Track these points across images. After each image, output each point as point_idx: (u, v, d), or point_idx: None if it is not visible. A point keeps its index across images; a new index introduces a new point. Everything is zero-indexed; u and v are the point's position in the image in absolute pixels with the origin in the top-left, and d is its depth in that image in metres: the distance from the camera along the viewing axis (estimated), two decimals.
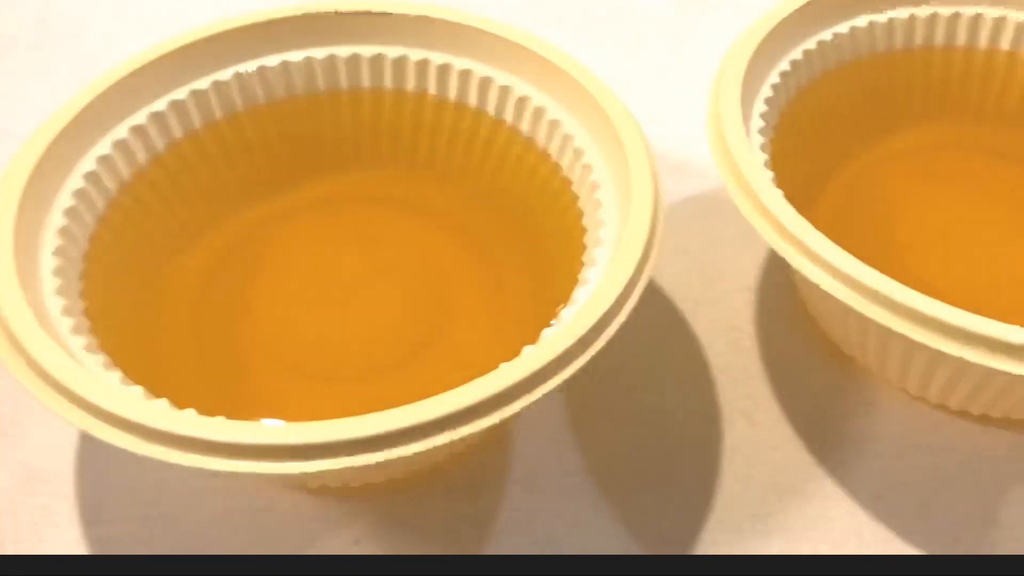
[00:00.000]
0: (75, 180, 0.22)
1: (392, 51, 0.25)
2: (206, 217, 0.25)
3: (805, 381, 0.26)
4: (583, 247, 0.22)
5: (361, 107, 0.26)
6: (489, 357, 0.19)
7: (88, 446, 0.24)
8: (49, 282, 0.20)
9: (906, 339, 0.20)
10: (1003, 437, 0.24)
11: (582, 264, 0.21)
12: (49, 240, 0.21)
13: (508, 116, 0.25)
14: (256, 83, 0.25)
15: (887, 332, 0.20)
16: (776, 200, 0.22)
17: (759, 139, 0.24)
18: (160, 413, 0.17)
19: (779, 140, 0.25)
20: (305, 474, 0.17)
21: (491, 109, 0.25)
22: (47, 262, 0.21)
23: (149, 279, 0.24)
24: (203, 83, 0.25)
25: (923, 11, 0.28)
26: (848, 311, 0.21)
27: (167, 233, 0.24)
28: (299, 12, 0.25)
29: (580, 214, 0.23)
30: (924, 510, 0.23)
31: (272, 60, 0.25)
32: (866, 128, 0.28)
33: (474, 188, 0.26)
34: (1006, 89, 0.28)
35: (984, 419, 0.25)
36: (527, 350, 0.18)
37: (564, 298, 0.20)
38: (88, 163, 0.23)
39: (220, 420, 0.17)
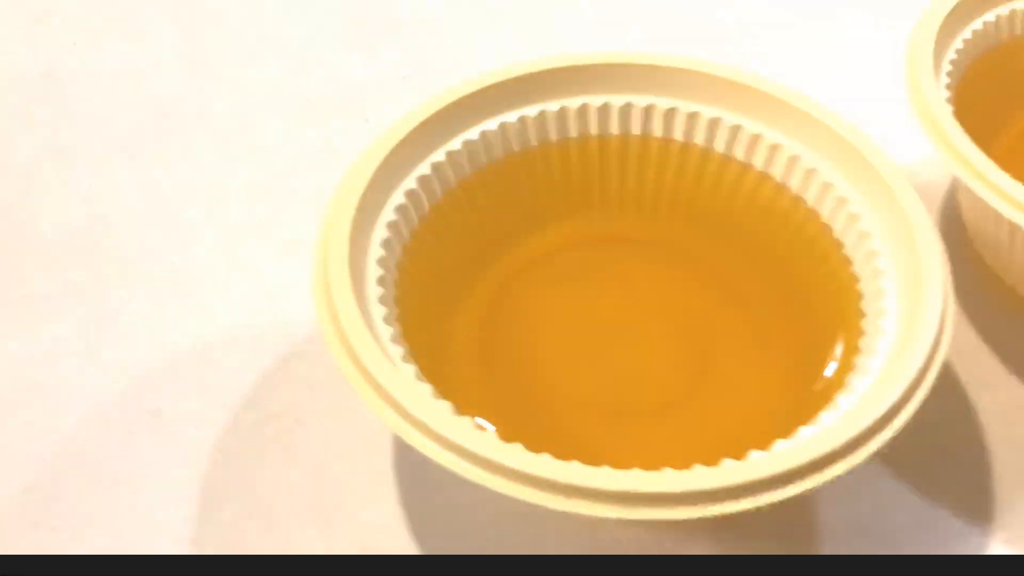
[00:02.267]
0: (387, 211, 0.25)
1: (640, 100, 0.27)
2: (479, 256, 0.27)
3: (1015, 341, 0.28)
4: (858, 317, 0.24)
5: (608, 152, 0.28)
6: (758, 408, 0.22)
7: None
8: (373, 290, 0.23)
9: None
10: None
11: (859, 335, 0.23)
12: (372, 267, 0.23)
13: (759, 163, 0.27)
14: (514, 134, 0.27)
15: None
16: (960, 137, 0.26)
17: (946, 90, 0.28)
18: (511, 452, 0.19)
19: (961, 100, 0.28)
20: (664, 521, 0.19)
21: (740, 155, 0.27)
22: (372, 277, 0.23)
23: (440, 303, 0.26)
24: (472, 133, 0.26)
25: None
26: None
27: (447, 274, 0.26)
28: (551, 66, 0.27)
29: (855, 279, 0.24)
30: None
31: (531, 110, 0.27)
32: None
33: (723, 231, 0.27)
34: None
35: None
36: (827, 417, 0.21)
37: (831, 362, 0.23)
38: (398, 196, 0.25)
39: (575, 464, 0.19)
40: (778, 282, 0.26)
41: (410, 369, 0.22)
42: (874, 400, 0.20)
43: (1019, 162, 0.30)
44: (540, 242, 0.28)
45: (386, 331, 0.22)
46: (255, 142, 0.34)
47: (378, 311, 0.23)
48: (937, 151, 0.26)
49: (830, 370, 0.24)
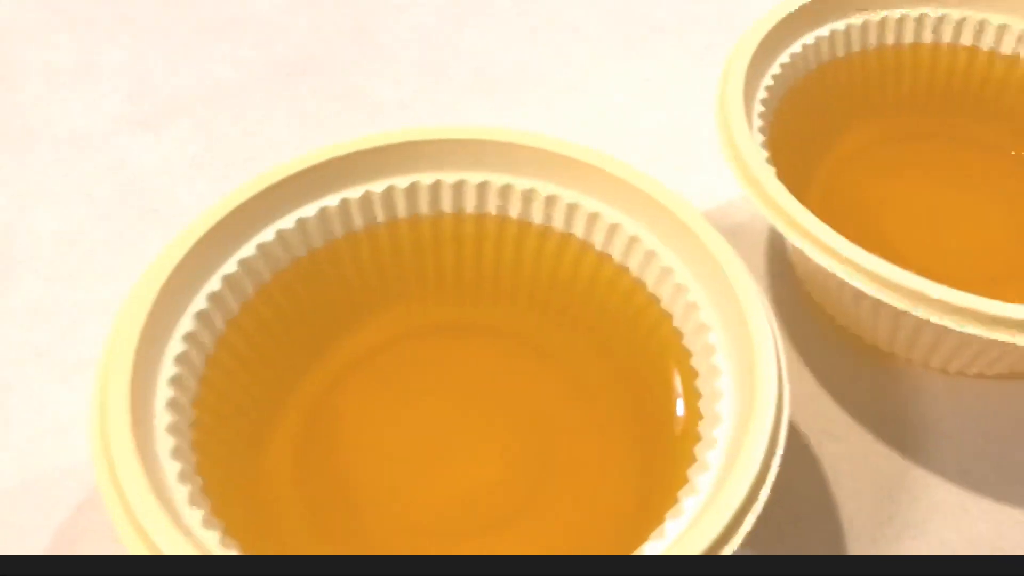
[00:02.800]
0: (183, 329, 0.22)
1: (474, 177, 0.25)
2: (288, 370, 0.25)
3: (853, 386, 0.28)
4: (695, 398, 0.22)
5: (439, 233, 0.26)
6: (598, 513, 0.21)
7: None
8: (163, 438, 0.20)
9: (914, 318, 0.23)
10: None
11: (698, 418, 0.22)
12: (162, 390, 0.21)
13: (598, 243, 0.25)
14: (335, 218, 0.25)
15: (902, 316, 0.23)
16: (786, 199, 0.25)
17: (760, 134, 0.27)
18: None
19: (776, 132, 0.28)
20: None
21: (579, 233, 0.25)
22: (161, 417, 0.20)
23: (249, 434, 0.23)
24: (288, 221, 0.24)
25: (894, 13, 0.31)
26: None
27: (256, 387, 0.24)
28: (374, 144, 0.25)
29: (694, 374, 0.23)
30: (1001, 472, 0.26)
31: (355, 192, 0.25)
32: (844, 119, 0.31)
33: (560, 312, 0.26)
34: (967, 83, 0.31)
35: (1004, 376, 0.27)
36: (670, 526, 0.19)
37: (673, 453, 0.22)
38: (187, 322, 0.22)
39: None
40: (612, 360, 0.25)
41: (212, 536, 0.19)
42: (714, 511, 0.19)
43: (837, 198, 0.30)
44: (362, 339, 0.25)
45: (182, 491, 0.20)
46: (29, 249, 0.30)
47: (172, 468, 0.20)
48: (753, 202, 0.25)
49: (671, 460, 0.22)
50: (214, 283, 0.23)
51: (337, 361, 0.25)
